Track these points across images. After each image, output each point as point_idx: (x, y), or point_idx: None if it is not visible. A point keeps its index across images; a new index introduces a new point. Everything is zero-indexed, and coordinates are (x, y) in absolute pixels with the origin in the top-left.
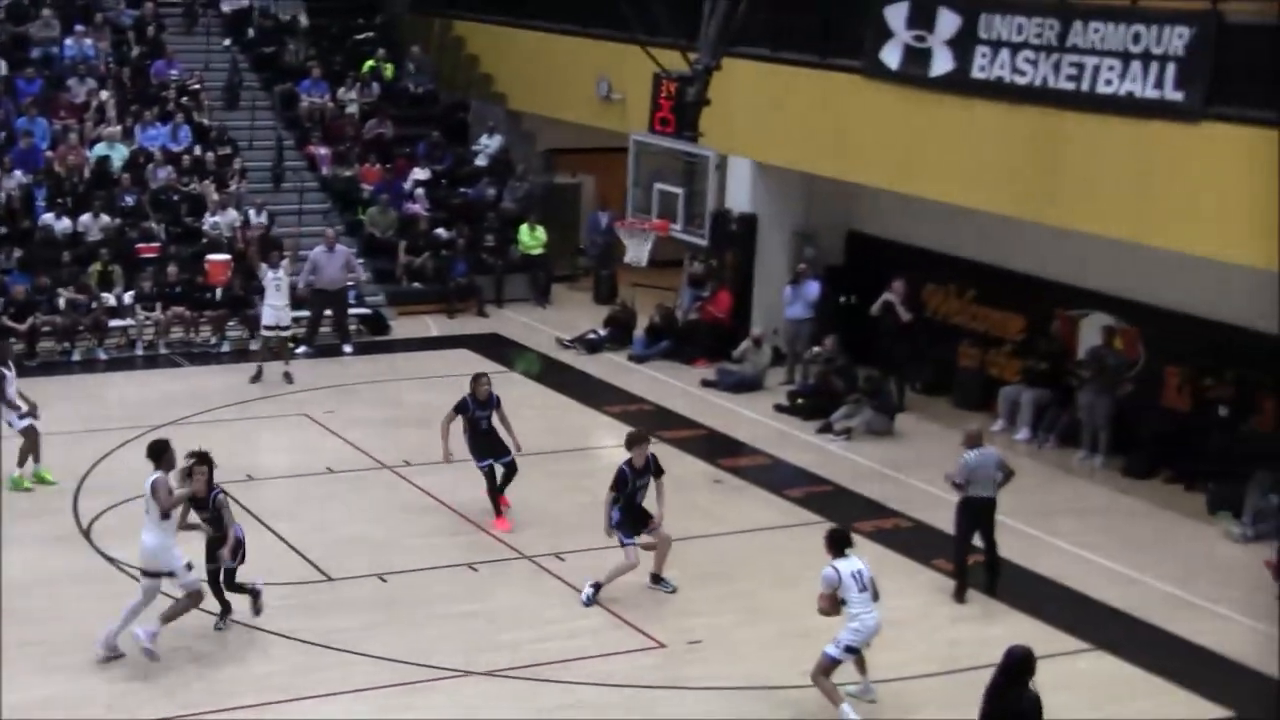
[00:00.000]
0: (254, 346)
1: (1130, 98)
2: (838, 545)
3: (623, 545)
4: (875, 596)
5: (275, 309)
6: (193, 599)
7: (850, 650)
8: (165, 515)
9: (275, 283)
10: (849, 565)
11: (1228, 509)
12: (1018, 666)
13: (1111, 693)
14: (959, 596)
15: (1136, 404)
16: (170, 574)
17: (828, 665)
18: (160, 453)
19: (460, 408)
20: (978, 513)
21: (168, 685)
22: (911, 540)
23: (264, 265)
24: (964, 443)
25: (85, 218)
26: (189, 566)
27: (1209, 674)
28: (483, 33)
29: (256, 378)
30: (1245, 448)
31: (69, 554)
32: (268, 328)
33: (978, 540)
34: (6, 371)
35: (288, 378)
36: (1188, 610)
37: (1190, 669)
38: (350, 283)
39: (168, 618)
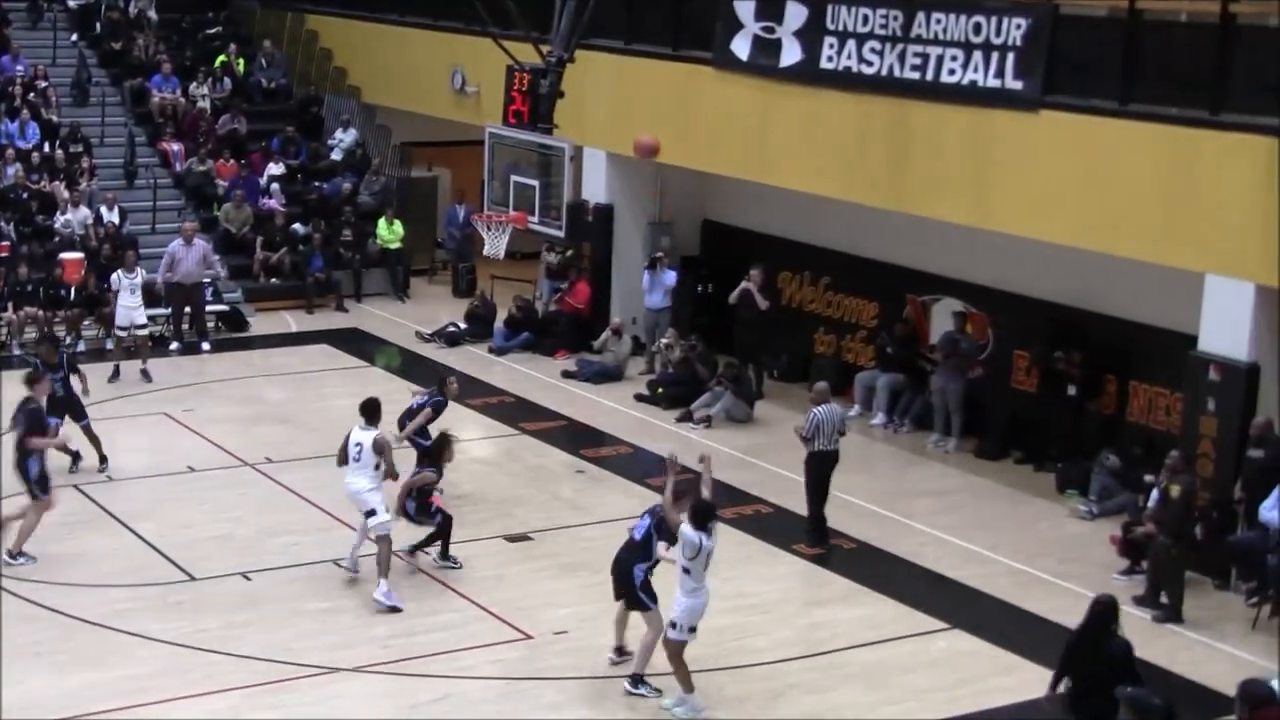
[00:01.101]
0: (109, 346)
1: (973, 87)
2: (703, 520)
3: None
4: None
5: (128, 309)
6: (384, 543)
7: (693, 630)
8: (378, 466)
9: (130, 285)
10: (710, 543)
11: (1075, 488)
12: (1104, 614)
13: (970, 670)
14: (815, 542)
15: (987, 388)
16: (372, 513)
17: (677, 648)
18: (374, 411)
19: (438, 408)
20: (824, 464)
21: (24, 691)
22: (771, 525)
23: (120, 271)
24: (812, 399)
25: None
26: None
27: (1062, 649)
28: (335, 26)
29: (114, 377)
30: (1090, 428)
31: None
32: (121, 328)
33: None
34: None
35: (145, 375)
36: (1040, 587)
37: (1044, 644)
38: (208, 278)
39: (384, 569)
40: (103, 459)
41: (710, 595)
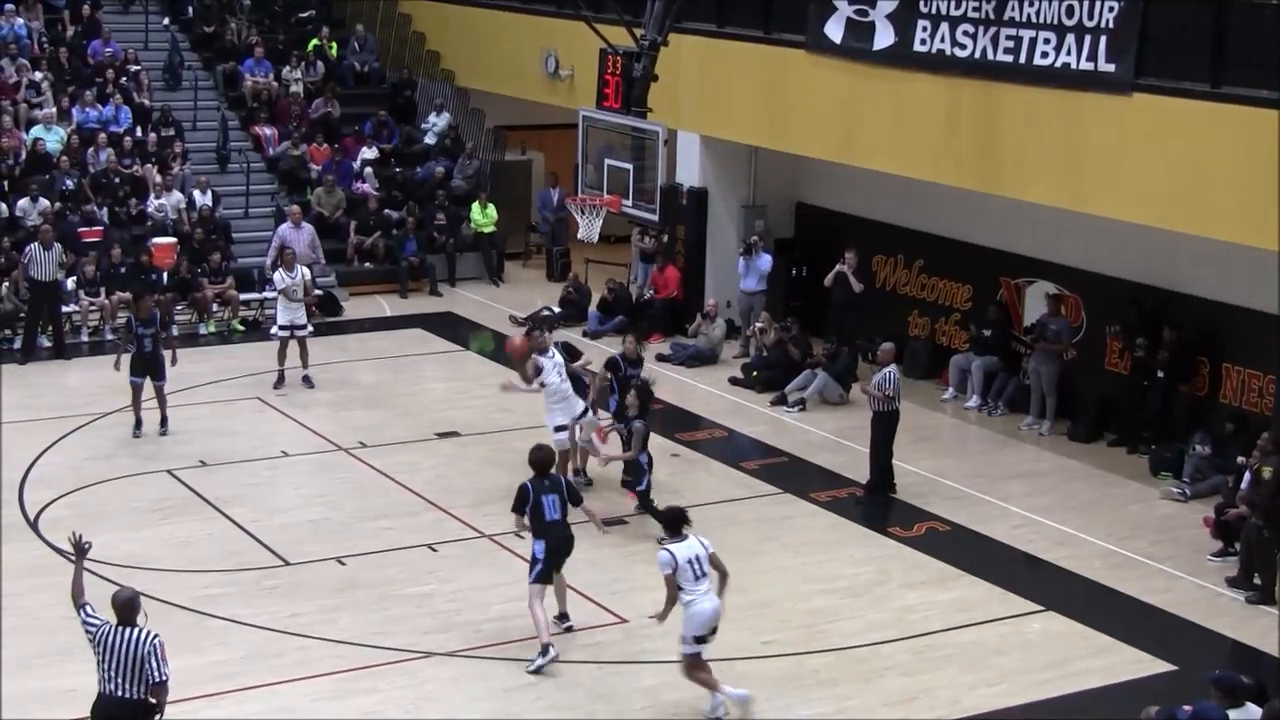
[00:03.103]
0: (203, 331)
1: (1065, 69)
2: (675, 526)
3: None
4: (721, 576)
5: (289, 309)
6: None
7: (700, 640)
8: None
9: (293, 288)
10: (686, 550)
11: (1168, 470)
12: None
13: (1063, 652)
14: (872, 492)
15: (1080, 370)
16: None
17: (691, 662)
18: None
19: (611, 365)
20: (893, 422)
21: None
22: (865, 508)
23: (281, 270)
24: (884, 360)
25: (23, 202)
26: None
27: (1155, 630)
28: (428, 10)
29: (279, 384)
30: (1183, 410)
31: (17, 546)
32: (282, 327)
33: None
34: None
35: (307, 382)
36: (1133, 569)
37: (1137, 626)
38: (314, 260)
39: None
40: (164, 420)
41: (713, 602)
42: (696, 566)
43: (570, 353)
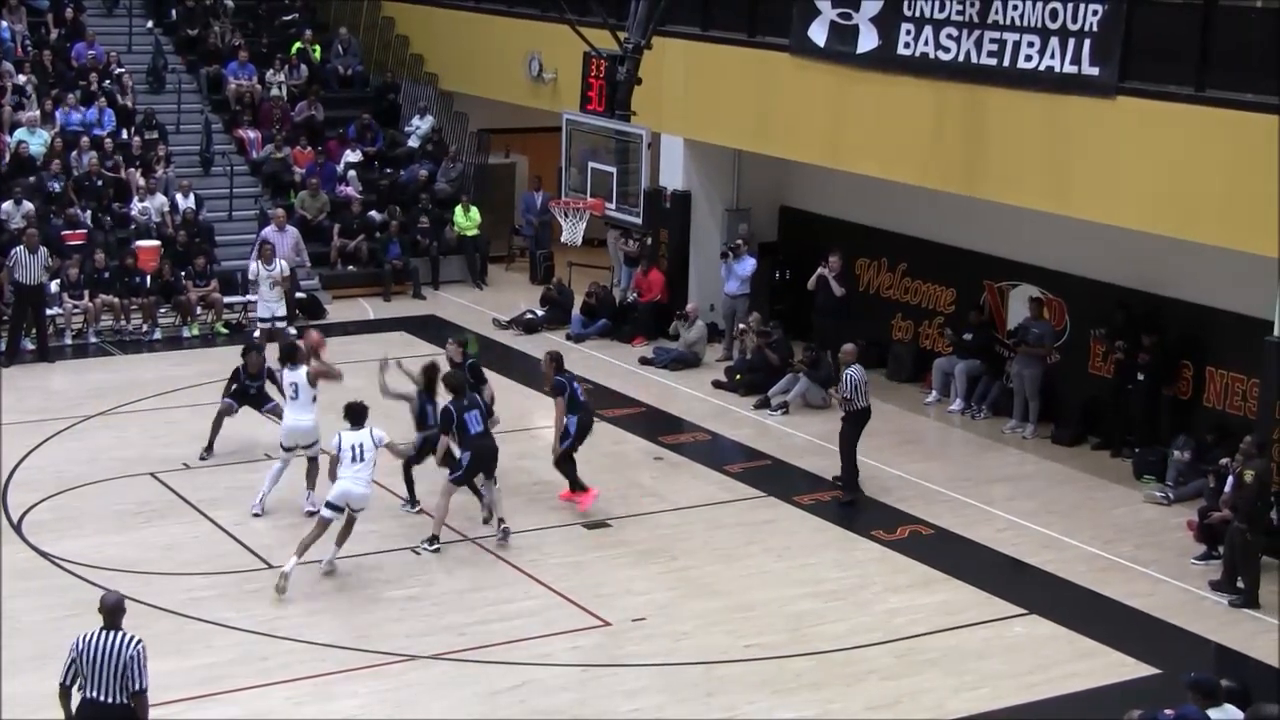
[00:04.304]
0: (187, 334)
1: (1050, 73)
2: (357, 418)
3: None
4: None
5: (268, 302)
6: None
7: (332, 507)
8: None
9: (270, 279)
10: (353, 437)
11: (1152, 473)
12: None
13: (1047, 655)
14: (847, 494)
15: (1063, 373)
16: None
17: (322, 523)
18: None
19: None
20: (862, 421)
21: None
22: (849, 511)
23: (259, 263)
24: (845, 361)
25: (7, 205)
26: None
27: (1139, 634)
28: (412, 12)
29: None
30: (1166, 414)
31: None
32: (263, 319)
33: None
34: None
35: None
36: (1117, 572)
37: (1121, 629)
38: (299, 264)
39: None
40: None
41: (359, 488)
42: (356, 451)
43: (476, 375)
